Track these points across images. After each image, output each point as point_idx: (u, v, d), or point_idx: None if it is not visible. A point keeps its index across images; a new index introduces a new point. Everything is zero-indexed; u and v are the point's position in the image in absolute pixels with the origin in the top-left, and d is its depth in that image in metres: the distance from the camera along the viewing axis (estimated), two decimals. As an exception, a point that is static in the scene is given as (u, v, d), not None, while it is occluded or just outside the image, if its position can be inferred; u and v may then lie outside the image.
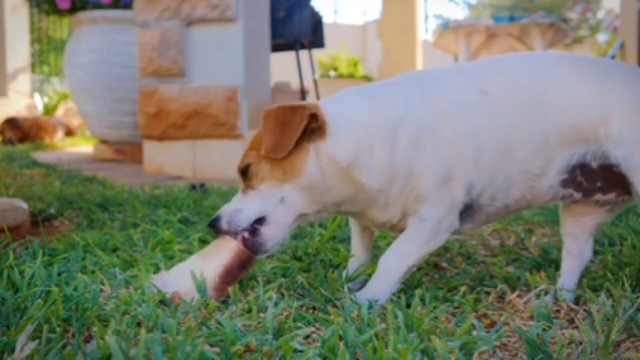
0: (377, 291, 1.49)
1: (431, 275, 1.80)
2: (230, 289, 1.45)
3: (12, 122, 7.88)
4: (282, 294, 1.50)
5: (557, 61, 1.57)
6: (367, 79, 9.93)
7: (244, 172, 1.48)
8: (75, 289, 1.45)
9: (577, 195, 1.57)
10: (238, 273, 1.45)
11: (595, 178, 1.54)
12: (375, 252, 1.83)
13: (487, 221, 1.62)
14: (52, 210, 2.63)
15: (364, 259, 1.72)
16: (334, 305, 1.44)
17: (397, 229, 1.57)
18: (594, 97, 1.50)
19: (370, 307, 1.40)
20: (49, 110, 10.01)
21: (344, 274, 1.63)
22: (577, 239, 1.66)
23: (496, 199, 1.55)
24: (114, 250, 1.99)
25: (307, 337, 1.24)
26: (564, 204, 1.67)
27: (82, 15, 5.60)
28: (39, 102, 10.35)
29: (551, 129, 1.51)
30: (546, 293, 1.56)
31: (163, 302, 1.41)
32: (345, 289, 1.50)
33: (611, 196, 1.57)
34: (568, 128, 1.51)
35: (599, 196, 1.57)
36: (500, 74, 1.56)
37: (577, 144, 1.52)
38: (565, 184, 1.55)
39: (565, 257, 1.67)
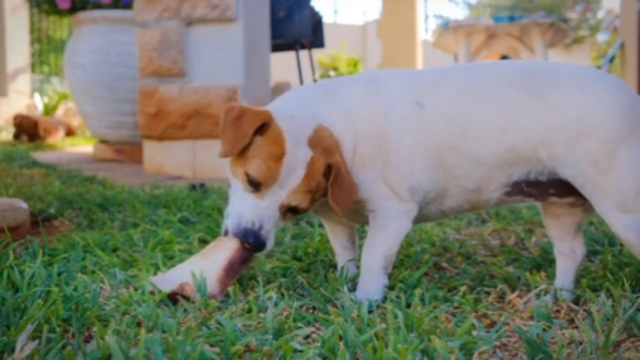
0: (368, 288, 1.52)
1: (431, 275, 1.80)
2: (230, 289, 1.45)
3: (24, 119, 7.86)
4: (282, 294, 1.50)
5: (504, 80, 1.53)
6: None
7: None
8: (75, 289, 1.45)
9: (529, 200, 1.57)
10: (239, 269, 1.46)
11: (546, 187, 1.53)
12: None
13: (424, 220, 1.69)
14: (52, 210, 2.63)
15: (349, 255, 1.75)
16: (334, 305, 1.44)
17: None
18: (536, 121, 1.47)
19: (370, 307, 1.40)
20: (49, 110, 10.01)
21: (343, 273, 1.63)
22: (563, 239, 1.66)
23: (431, 204, 1.60)
24: (114, 250, 1.99)
25: (307, 337, 1.24)
26: (542, 206, 1.67)
27: (82, 15, 5.60)
28: (39, 102, 10.35)
29: (487, 151, 1.50)
30: (546, 293, 1.56)
31: (163, 301, 1.41)
32: (345, 288, 1.50)
33: (569, 200, 1.55)
34: (505, 152, 1.50)
35: (554, 199, 1.56)
36: (444, 90, 1.56)
37: (517, 164, 1.51)
38: (510, 194, 1.56)
39: (558, 258, 1.67)
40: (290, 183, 1.43)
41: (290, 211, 1.48)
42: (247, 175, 1.43)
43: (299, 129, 1.45)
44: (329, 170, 1.46)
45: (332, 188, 1.44)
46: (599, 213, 1.47)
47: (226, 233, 1.47)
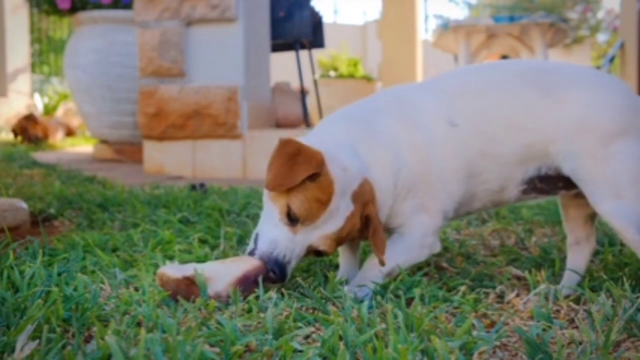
0: (363, 281, 1.56)
1: (431, 275, 1.79)
2: (230, 289, 1.45)
3: (32, 119, 7.82)
4: (282, 294, 1.50)
5: (521, 80, 1.60)
6: (367, 79, 9.91)
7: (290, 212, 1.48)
8: (75, 289, 1.44)
9: (542, 196, 1.67)
10: (251, 286, 1.45)
11: (555, 182, 1.62)
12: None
13: (451, 219, 1.76)
14: (52, 210, 2.62)
15: (352, 257, 1.78)
16: (334, 305, 1.44)
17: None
18: (548, 118, 1.55)
19: (370, 307, 1.40)
20: (49, 110, 10.00)
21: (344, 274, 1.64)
22: (572, 231, 1.77)
23: (460, 210, 1.68)
24: (114, 250, 1.99)
25: (307, 337, 1.24)
26: (559, 201, 1.78)
27: (82, 15, 5.60)
28: (39, 102, 10.35)
29: (509, 150, 1.58)
30: (546, 294, 1.57)
31: (163, 301, 1.41)
32: (345, 289, 1.50)
33: (576, 191, 1.62)
34: (524, 148, 1.58)
35: (563, 192, 1.65)
36: (470, 99, 1.61)
37: (532, 160, 1.60)
38: (526, 192, 1.65)
39: (567, 250, 1.77)
40: (325, 229, 1.47)
41: (314, 252, 1.51)
42: (288, 208, 1.45)
43: (347, 183, 1.48)
44: (365, 220, 1.50)
45: (373, 239, 1.50)
46: (593, 204, 1.54)
47: (251, 253, 1.48)
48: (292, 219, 1.46)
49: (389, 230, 1.67)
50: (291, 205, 1.44)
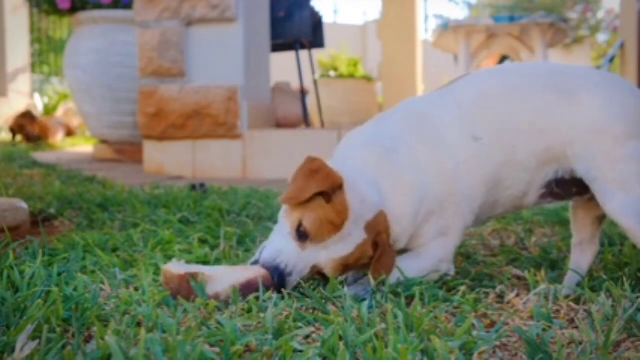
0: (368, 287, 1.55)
1: (431, 275, 1.79)
2: (229, 291, 1.45)
3: (30, 117, 7.79)
4: (282, 294, 1.50)
5: (539, 83, 1.62)
6: (367, 79, 9.91)
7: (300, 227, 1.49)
8: (75, 289, 1.44)
9: (557, 200, 1.69)
10: (251, 293, 1.45)
11: (569, 187, 1.64)
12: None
13: (474, 225, 1.80)
14: (52, 210, 2.62)
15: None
16: (334, 305, 1.44)
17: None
18: (565, 120, 1.57)
19: (370, 307, 1.40)
20: (49, 110, 10.01)
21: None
22: (579, 232, 1.78)
23: (482, 216, 1.70)
24: (114, 250, 1.99)
25: (307, 337, 1.24)
26: (571, 202, 1.79)
27: (82, 15, 5.60)
28: (39, 102, 10.35)
29: (530, 155, 1.60)
30: (546, 294, 1.57)
31: (163, 301, 1.41)
32: (345, 289, 1.50)
33: (588, 196, 1.65)
34: (543, 151, 1.60)
35: (577, 198, 1.68)
36: (490, 108, 1.62)
37: (551, 163, 1.61)
38: (543, 196, 1.66)
39: (571, 250, 1.79)
40: (334, 251, 1.48)
41: (319, 274, 1.52)
42: (299, 223, 1.46)
43: (363, 213, 1.49)
44: (375, 245, 1.51)
45: (376, 263, 1.51)
46: (603, 204, 1.56)
47: (255, 263, 1.50)
48: (301, 235, 1.47)
49: (407, 251, 1.66)
50: (303, 220, 1.46)
